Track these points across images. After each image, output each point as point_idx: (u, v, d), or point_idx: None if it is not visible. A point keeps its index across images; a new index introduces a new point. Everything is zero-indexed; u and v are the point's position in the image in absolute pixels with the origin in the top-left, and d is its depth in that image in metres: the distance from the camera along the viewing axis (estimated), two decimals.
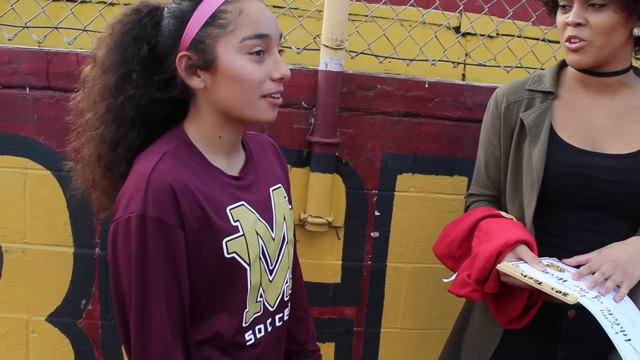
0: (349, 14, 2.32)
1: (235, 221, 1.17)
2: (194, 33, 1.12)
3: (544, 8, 1.57)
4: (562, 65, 1.60)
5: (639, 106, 1.50)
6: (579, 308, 1.40)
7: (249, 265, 1.19)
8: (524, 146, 1.52)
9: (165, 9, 1.18)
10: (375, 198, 2.06)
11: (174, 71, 1.15)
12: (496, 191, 1.66)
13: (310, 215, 1.99)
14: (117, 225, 1.09)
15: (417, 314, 2.18)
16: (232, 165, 1.24)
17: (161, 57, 1.16)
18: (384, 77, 2.00)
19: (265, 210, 1.25)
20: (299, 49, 2.04)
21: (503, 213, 1.55)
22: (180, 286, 1.10)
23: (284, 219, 1.31)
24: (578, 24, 1.40)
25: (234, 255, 1.16)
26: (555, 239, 1.49)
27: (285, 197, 1.35)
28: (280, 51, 1.19)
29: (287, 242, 1.32)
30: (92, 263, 1.98)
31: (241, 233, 1.17)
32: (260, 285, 1.23)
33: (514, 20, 2.44)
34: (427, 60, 2.14)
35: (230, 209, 1.17)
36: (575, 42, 1.41)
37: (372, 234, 2.09)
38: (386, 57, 2.08)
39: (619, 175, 1.43)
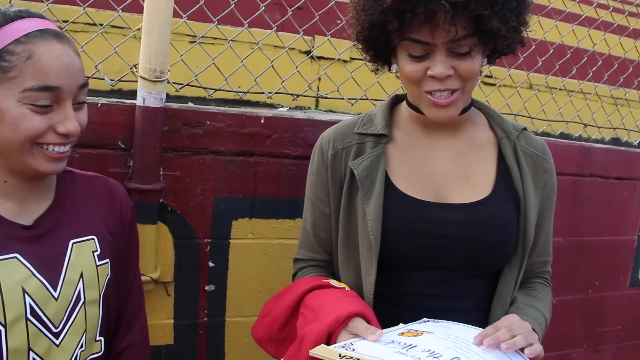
0: (180, 34, 2.11)
1: None
2: None
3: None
4: (395, 101, 1.42)
5: (482, 143, 1.37)
6: None
7: (4, 326, 1.09)
8: (357, 201, 1.32)
9: None
10: (209, 248, 1.84)
11: None
12: (327, 255, 1.44)
13: None
14: None
15: None
16: (26, 212, 1.17)
17: None
18: (214, 112, 1.78)
19: (50, 266, 1.16)
20: (113, 80, 1.77)
21: (333, 282, 1.34)
22: None
23: (81, 276, 1.20)
24: (447, 75, 1.21)
25: None
26: (403, 309, 1.30)
27: (95, 252, 1.24)
28: (80, 103, 1.14)
29: (82, 303, 1.20)
30: None
31: None
32: (30, 349, 1.13)
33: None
34: (263, 93, 1.95)
35: None
36: (445, 97, 1.22)
37: (206, 288, 1.86)
38: (216, 90, 1.87)
39: (465, 230, 1.27)
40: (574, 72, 2.46)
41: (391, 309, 1.31)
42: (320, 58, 3.22)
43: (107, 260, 1.25)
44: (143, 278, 1.73)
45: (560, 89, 2.58)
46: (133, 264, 1.39)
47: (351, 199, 1.34)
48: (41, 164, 1.11)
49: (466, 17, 1.16)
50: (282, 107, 2.76)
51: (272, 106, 2.75)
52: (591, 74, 2.53)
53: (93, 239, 1.24)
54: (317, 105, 3.19)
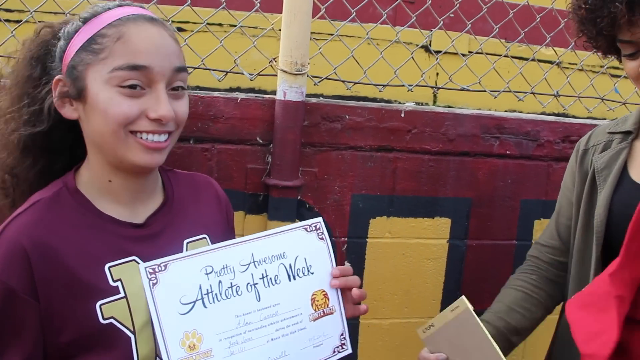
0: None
1: (115, 281, 1.05)
2: (70, 57, 1.05)
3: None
4: None
5: None
6: None
7: (134, 333, 1.05)
8: (597, 194, 1.37)
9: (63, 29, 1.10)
10: (345, 246, 1.77)
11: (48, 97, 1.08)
12: (561, 243, 1.49)
13: None
14: None
15: None
16: (137, 212, 1.12)
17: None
18: (353, 107, 1.72)
19: None
20: (252, 74, 1.74)
21: None
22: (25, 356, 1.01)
23: None
24: None
25: (112, 321, 1.04)
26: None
27: None
28: (177, 88, 1.07)
29: None
30: None
31: (122, 295, 1.05)
32: (157, 356, 1.07)
33: (501, 40, 2.23)
34: (403, 85, 1.86)
35: (110, 267, 1.05)
36: None
37: None
38: (356, 83, 1.80)
39: None
40: None
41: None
42: (438, 53, 3.10)
43: None
44: None
45: None
46: None
47: (593, 190, 1.40)
48: (136, 154, 1.04)
49: None
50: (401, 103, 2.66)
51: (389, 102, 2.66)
52: None
53: (205, 237, 1.18)
54: (434, 102, 3.08)
